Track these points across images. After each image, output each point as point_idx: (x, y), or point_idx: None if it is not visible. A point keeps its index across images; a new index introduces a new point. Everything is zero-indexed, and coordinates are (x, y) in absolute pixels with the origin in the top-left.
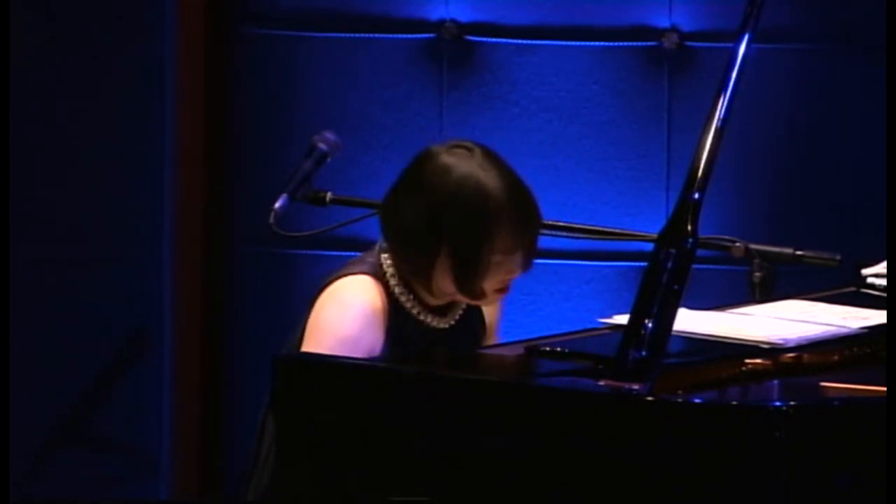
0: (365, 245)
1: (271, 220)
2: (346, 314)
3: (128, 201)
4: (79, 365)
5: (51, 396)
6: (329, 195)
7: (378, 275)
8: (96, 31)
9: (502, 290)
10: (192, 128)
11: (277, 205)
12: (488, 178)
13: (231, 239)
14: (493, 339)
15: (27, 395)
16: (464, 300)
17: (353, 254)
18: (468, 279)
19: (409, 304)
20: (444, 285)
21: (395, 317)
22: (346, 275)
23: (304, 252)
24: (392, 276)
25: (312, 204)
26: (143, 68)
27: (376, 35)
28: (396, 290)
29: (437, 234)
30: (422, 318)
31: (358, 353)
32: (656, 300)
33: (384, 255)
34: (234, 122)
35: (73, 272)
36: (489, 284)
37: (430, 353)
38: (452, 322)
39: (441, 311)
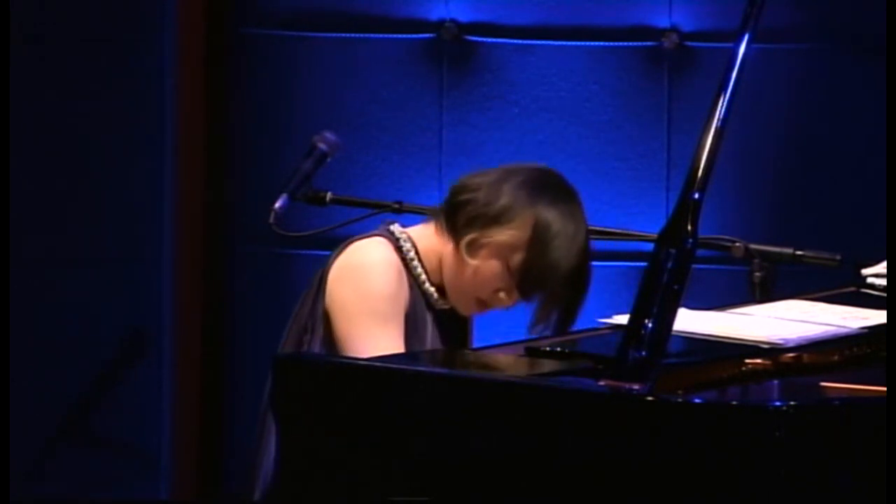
0: None
1: (271, 220)
2: (381, 272)
3: (128, 201)
4: (79, 365)
5: (51, 396)
6: (329, 195)
7: (391, 240)
8: (97, 32)
9: (484, 303)
10: (192, 128)
11: (277, 205)
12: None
13: (231, 239)
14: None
15: (27, 395)
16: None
17: None
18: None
19: (418, 271)
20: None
21: (409, 281)
22: (357, 240)
23: (304, 252)
24: (405, 240)
25: (312, 204)
26: (143, 68)
27: (376, 35)
28: (409, 255)
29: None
30: (427, 288)
31: (400, 308)
32: (656, 300)
33: (394, 227)
34: (234, 122)
35: (73, 272)
36: (488, 282)
37: (429, 353)
38: (448, 306)
39: (443, 292)
